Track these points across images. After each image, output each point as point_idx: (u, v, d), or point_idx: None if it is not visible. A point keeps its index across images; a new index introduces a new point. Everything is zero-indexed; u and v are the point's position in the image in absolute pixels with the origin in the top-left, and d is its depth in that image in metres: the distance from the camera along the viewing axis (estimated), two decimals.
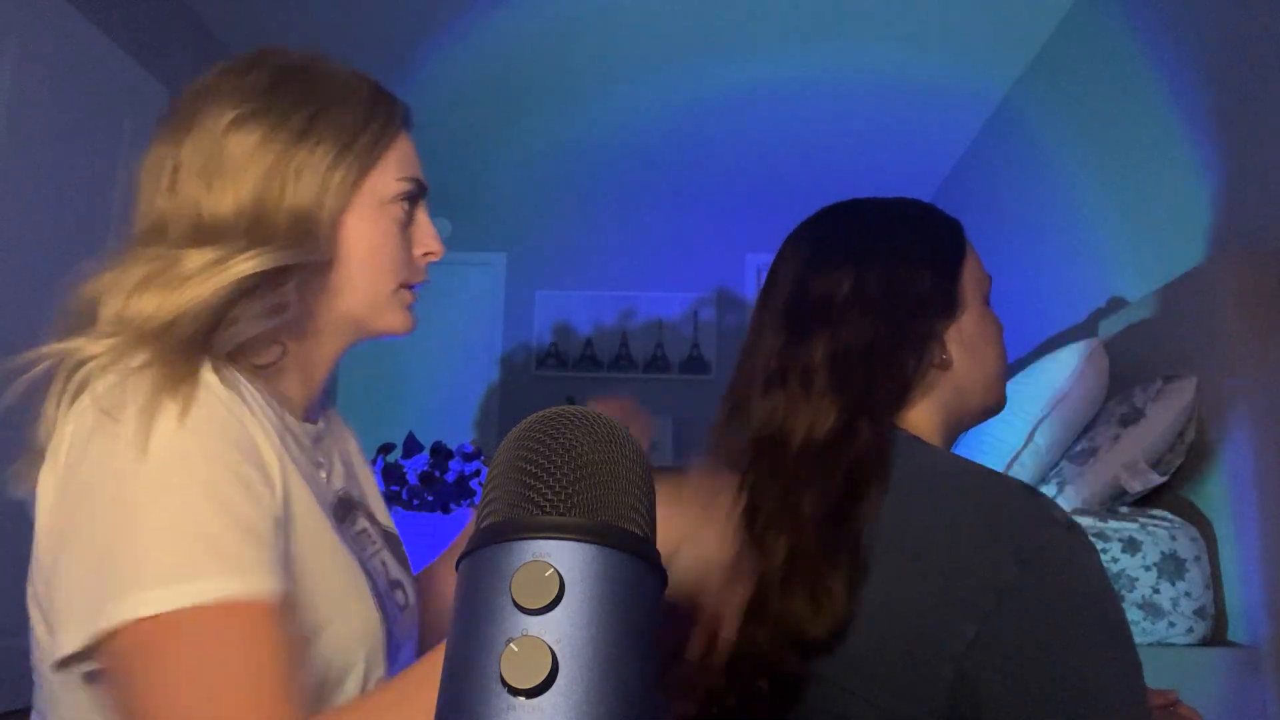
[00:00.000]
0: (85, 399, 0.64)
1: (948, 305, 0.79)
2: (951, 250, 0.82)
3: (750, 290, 4.28)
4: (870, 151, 3.49)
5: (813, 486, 0.69)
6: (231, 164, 0.72)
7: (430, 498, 2.71)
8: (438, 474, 2.74)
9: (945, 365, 0.79)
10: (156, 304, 0.66)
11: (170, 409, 0.62)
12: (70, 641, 0.58)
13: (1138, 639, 0.83)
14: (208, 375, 0.66)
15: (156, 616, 0.56)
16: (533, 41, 2.84)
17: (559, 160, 3.78)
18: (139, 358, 0.64)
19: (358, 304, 0.79)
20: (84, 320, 0.69)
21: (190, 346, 0.66)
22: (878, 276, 0.77)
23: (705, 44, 2.82)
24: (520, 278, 4.37)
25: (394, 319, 0.81)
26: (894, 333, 0.76)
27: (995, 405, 0.85)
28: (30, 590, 0.67)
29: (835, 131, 3.35)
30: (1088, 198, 2.37)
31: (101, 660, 0.59)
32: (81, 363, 0.66)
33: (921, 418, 0.79)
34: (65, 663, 0.59)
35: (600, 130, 3.46)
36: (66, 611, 0.59)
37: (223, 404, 0.65)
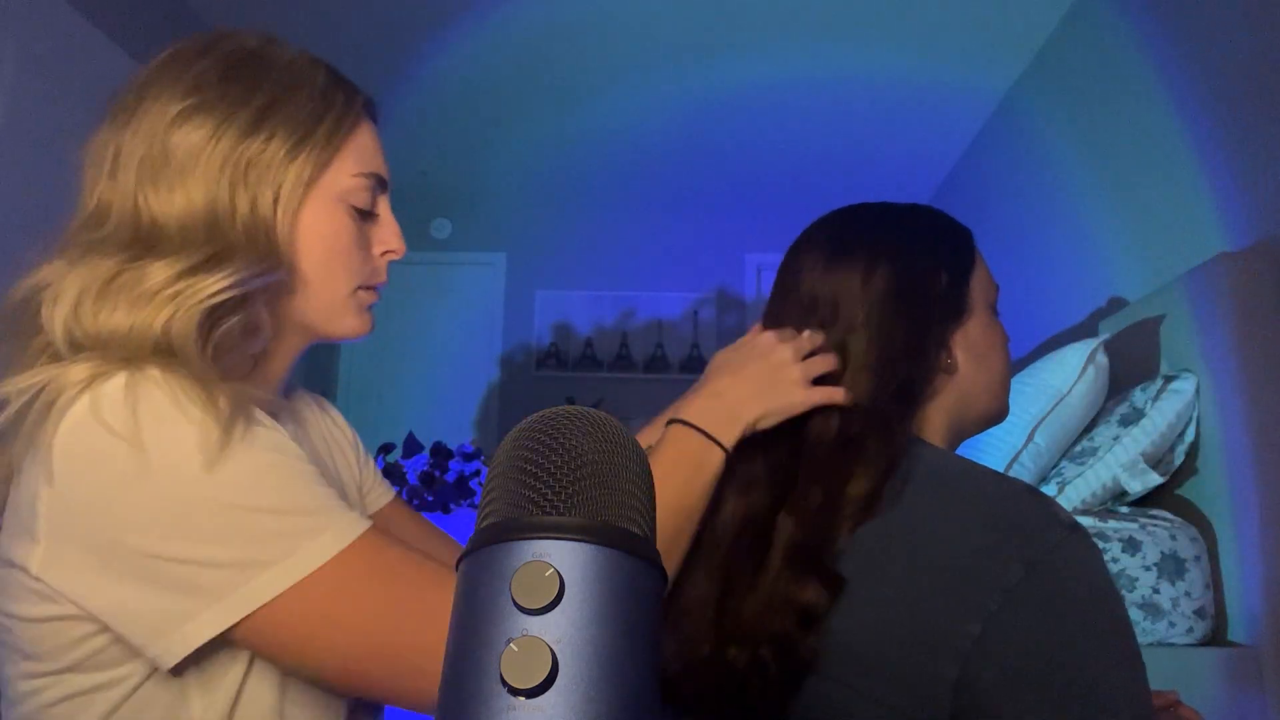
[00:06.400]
0: (81, 411, 0.60)
1: (956, 309, 0.80)
2: (961, 254, 0.83)
3: (750, 290, 4.26)
4: (870, 151, 3.49)
5: (820, 478, 0.71)
6: (178, 160, 0.68)
7: (430, 498, 2.71)
8: (438, 474, 2.74)
9: (950, 370, 0.79)
10: (128, 320, 0.63)
11: (216, 426, 0.61)
12: (200, 632, 0.59)
13: (1138, 639, 0.83)
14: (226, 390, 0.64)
15: (312, 573, 0.60)
16: (533, 41, 2.84)
17: (559, 160, 3.77)
18: (151, 373, 0.62)
19: (312, 308, 0.75)
20: (22, 316, 0.67)
21: (192, 366, 0.64)
22: (889, 277, 0.78)
23: (705, 44, 2.82)
24: (520, 278, 4.37)
25: (351, 322, 0.77)
26: (904, 334, 0.77)
27: (998, 414, 0.85)
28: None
29: (835, 131, 3.35)
30: (1088, 198, 2.37)
31: (244, 636, 0.60)
32: (62, 389, 0.62)
33: (925, 421, 0.79)
34: (179, 662, 0.59)
35: (600, 131, 3.45)
36: (176, 611, 0.59)
37: (261, 419, 0.65)
